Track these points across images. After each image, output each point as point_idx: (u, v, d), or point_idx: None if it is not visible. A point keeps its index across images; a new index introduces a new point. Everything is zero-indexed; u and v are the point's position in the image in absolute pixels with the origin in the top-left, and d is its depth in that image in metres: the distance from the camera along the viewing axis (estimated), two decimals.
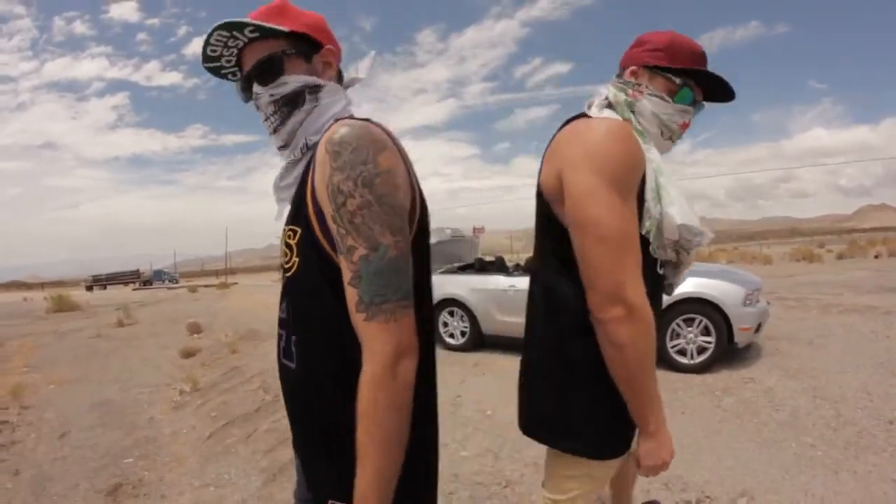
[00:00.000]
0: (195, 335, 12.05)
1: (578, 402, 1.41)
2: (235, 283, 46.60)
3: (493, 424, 4.65)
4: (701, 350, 5.77)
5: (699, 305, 5.75)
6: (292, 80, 1.15)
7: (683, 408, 4.78)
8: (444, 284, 7.93)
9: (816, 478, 3.25)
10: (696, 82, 1.45)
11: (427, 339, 1.12)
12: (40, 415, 6.40)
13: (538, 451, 3.38)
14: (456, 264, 8.78)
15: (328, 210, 1.01)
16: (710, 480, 3.31)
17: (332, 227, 1.01)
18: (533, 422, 1.56)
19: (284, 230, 1.18)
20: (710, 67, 1.44)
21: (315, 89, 1.19)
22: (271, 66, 1.15)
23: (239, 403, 5.96)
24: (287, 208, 1.21)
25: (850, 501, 2.96)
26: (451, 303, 7.78)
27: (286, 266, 1.16)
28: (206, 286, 41.46)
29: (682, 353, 5.84)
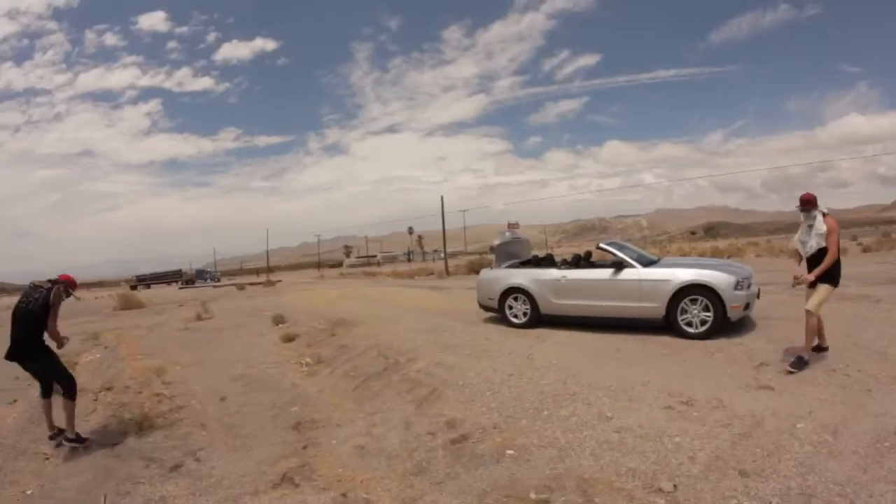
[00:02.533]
0: (281, 325, 13.61)
1: None
2: (280, 281, 48.71)
3: (559, 368, 6.51)
4: (703, 322, 7.70)
5: (700, 289, 7.69)
6: None
7: (685, 359, 6.69)
8: (508, 276, 10.00)
9: (762, 395, 5.15)
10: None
11: None
12: (187, 388, 7.98)
13: (587, 380, 5.87)
14: (516, 260, 10.78)
15: None
16: (696, 395, 5.20)
17: None
18: None
19: None
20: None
21: None
22: None
23: (367, 366, 7.82)
24: None
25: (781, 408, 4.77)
26: (515, 290, 9.75)
27: None
28: (252, 284, 43.33)
29: (689, 324, 7.77)
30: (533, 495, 3.63)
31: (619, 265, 8.63)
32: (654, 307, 8.08)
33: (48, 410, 5.93)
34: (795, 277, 6.10)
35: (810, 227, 6.00)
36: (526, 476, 3.93)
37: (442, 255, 48.14)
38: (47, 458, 5.52)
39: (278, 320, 14.31)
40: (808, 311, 5.90)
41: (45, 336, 5.78)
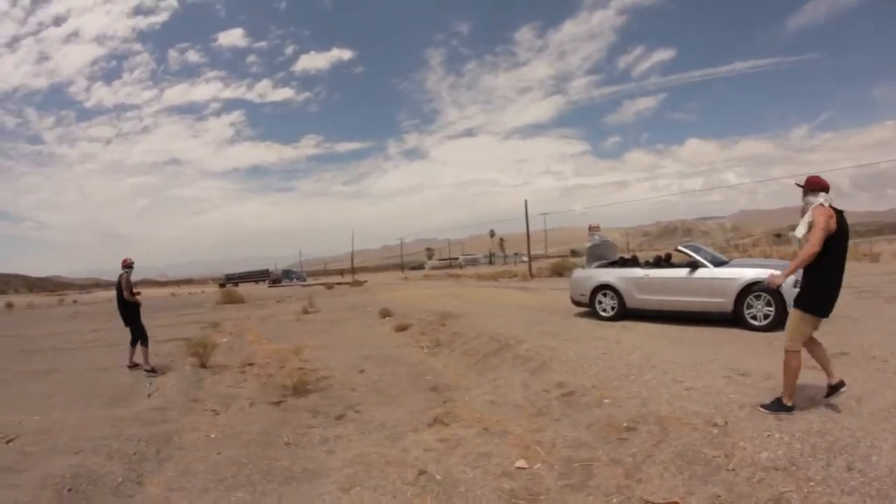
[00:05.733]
0: (388, 318, 15.37)
1: None
2: (366, 281, 50.89)
3: (642, 349, 7.90)
4: (766, 316, 9.00)
5: (764, 286, 8.98)
6: None
7: (748, 345, 8.02)
8: (598, 275, 11.64)
9: (807, 373, 6.02)
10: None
11: None
12: (324, 364, 9.57)
13: (665, 357, 7.58)
14: (604, 261, 12.32)
15: None
16: (752, 370, 6.40)
17: None
18: None
19: None
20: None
21: None
22: None
23: (482, 347, 9.50)
24: None
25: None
26: (604, 287, 11.35)
27: None
28: (339, 283, 46.26)
29: (754, 318, 9.10)
30: (625, 424, 5.25)
31: (693, 265, 10.05)
32: (724, 302, 9.44)
33: (133, 353, 9.56)
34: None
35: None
36: (619, 414, 5.53)
37: (523, 257, 49.39)
38: (216, 413, 7.08)
39: (385, 314, 15.92)
40: (785, 351, 5.02)
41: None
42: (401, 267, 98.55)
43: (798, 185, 5.11)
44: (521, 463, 4.71)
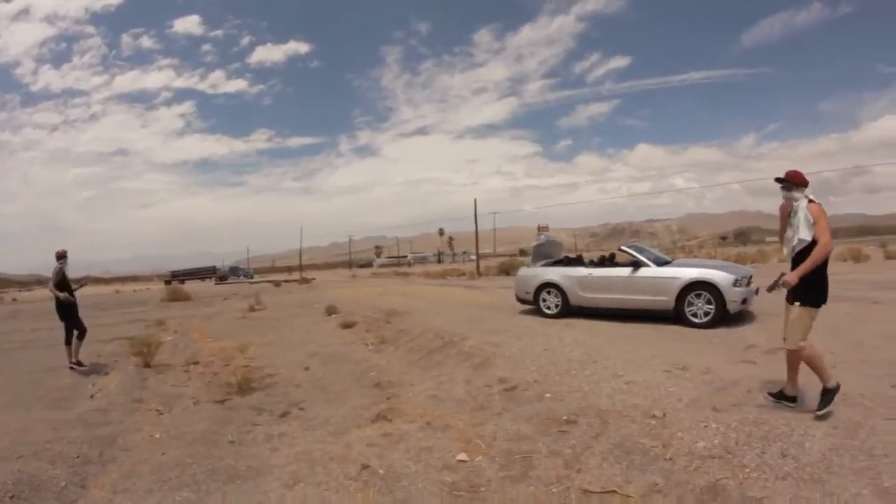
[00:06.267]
0: (334, 315, 15.22)
1: None
2: (314, 279, 50.56)
3: (584, 345, 7.96)
4: (706, 314, 9.24)
5: (704, 285, 9.26)
6: None
7: (688, 341, 8.21)
8: (543, 273, 11.72)
9: (744, 367, 6.53)
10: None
11: None
12: (270, 362, 9.47)
13: (606, 353, 8.23)
14: (549, 260, 12.40)
15: None
16: (691, 365, 6.56)
17: None
18: None
19: None
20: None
21: None
22: None
23: (426, 344, 9.44)
24: None
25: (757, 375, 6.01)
26: (548, 285, 11.42)
27: None
28: (286, 281, 45.90)
29: (695, 315, 9.33)
30: (565, 418, 5.25)
31: (636, 264, 10.23)
32: (665, 300, 9.64)
33: (70, 352, 9.34)
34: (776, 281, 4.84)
35: (793, 215, 4.81)
36: (560, 408, 5.53)
37: (472, 256, 49.80)
38: (160, 413, 6.91)
39: (331, 311, 15.80)
40: (789, 352, 4.92)
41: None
42: (349, 265, 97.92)
43: (779, 180, 4.93)
44: (462, 456, 4.69)
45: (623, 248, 11.06)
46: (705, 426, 4.66)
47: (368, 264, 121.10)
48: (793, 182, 4.83)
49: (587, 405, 5.52)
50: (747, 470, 3.88)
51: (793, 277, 4.63)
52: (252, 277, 70.12)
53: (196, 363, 9.76)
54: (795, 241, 4.73)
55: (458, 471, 4.44)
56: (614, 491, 3.87)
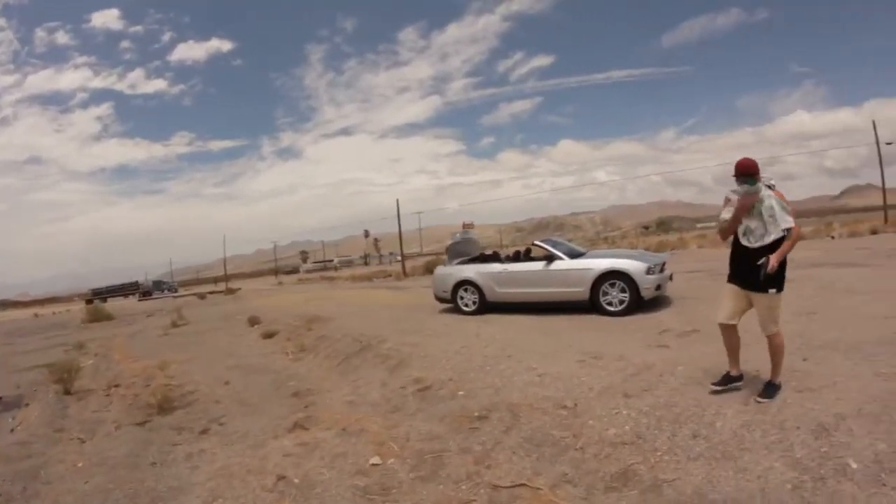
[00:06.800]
0: (256, 325, 14.78)
1: None
2: (240, 289, 48.97)
3: (500, 341, 7.94)
4: (621, 302, 9.37)
5: (617, 275, 9.36)
6: None
7: (604, 330, 8.27)
8: (459, 271, 11.62)
9: (658, 351, 6.67)
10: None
11: None
12: (190, 379, 9.07)
13: (521, 347, 8.20)
14: (466, 257, 12.31)
15: None
16: (605, 353, 6.65)
17: None
18: None
19: None
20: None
21: None
22: None
23: (345, 349, 9.17)
24: None
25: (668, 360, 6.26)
26: (465, 283, 11.33)
27: None
28: (212, 293, 44.39)
29: (610, 304, 9.43)
30: (476, 414, 5.16)
31: (550, 258, 10.28)
32: (580, 291, 9.71)
33: None
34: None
35: (759, 206, 4.51)
36: (472, 405, 5.45)
37: (398, 257, 49.55)
38: (83, 441, 6.51)
39: (253, 321, 15.40)
40: (769, 337, 4.69)
41: None
42: (275, 272, 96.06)
43: (739, 174, 4.53)
44: (375, 459, 4.62)
45: (536, 242, 11.12)
46: (616, 413, 4.68)
47: (295, 270, 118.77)
48: (751, 173, 4.48)
49: (499, 400, 5.47)
50: (658, 454, 3.90)
51: (774, 264, 4.36)
52: (177, 291, 68.04)
53: (117, 385, 9.27)
54: (780, 232, 4.43)
55: (370, 474, 4.41)
56: (524, 484, 3.84)
